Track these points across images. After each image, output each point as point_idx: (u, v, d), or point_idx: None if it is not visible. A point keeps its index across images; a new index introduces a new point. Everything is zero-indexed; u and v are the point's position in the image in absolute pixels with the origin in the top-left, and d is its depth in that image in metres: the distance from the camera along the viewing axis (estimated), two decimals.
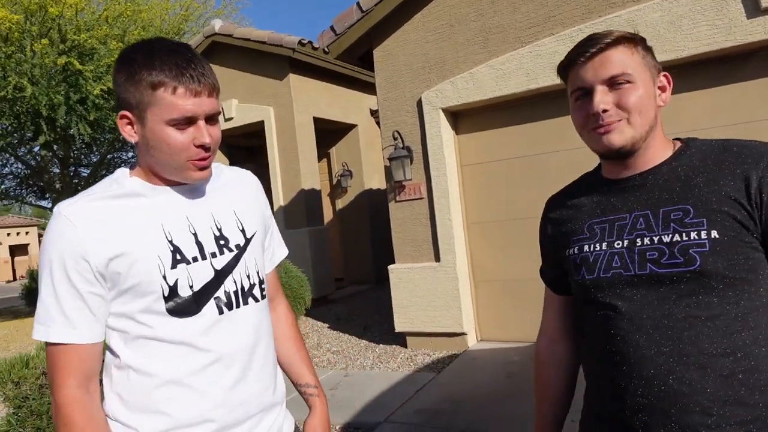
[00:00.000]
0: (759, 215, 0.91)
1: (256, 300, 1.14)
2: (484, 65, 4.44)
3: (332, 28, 4.94)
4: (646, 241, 0.97)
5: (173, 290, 1.02)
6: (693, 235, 0.93)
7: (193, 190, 1.11)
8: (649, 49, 1.05)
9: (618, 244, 1.02)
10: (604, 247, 1.04)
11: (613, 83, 1.00)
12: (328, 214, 9.48)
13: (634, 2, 3.89)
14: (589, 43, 1.02)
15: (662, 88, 1.06)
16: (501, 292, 4.79)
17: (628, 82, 0.99)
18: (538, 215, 4.92)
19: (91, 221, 1.00)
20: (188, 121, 1.00)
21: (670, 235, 0.94)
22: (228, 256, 1.10)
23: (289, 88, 7.72)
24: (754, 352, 0.89)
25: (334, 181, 9.55)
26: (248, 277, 1.13)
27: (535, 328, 4.69)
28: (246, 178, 1.28)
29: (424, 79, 4.75)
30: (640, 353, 0.94)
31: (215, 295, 1.06)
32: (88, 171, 11.20)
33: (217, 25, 7.98)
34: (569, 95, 1.09)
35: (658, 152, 1.04)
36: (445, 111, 4.70)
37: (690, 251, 0.92)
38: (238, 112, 8.19)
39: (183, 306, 1.03)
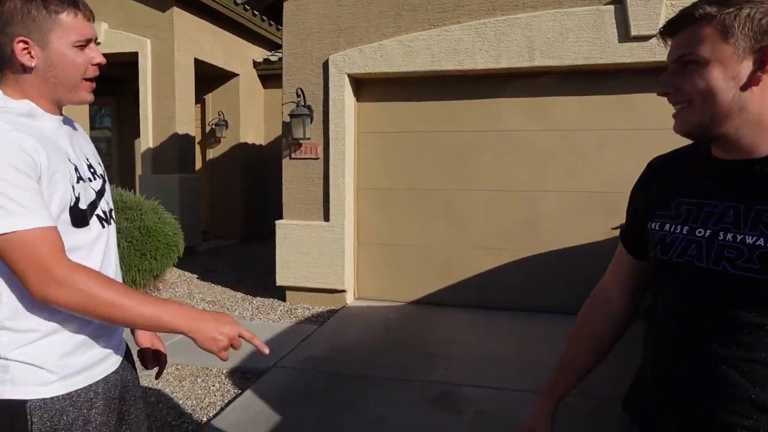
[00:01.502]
0: None
1: (115, 222, 1.34)
2: (394, 39, 4.64)
3: None
4: (729, 237, 0.89)
5: (77, 202, 1.16)
6: None
7: (64, 124, 1.23)
8: (751, 19, 0.86)
9: (700, 232, 0.94)
10: (684, 232, 0.96)
11: (680, 63, 0.92)
12: (197, 164, 9.04)
13: (533, 9, 4.37)
14: (672, 18, 0.94)
15: (762, 65, 0.87)
16: (381, 255, 5.12)
17: (694, 62, 0.90)
18: (428, 188, 5.49)
19: (21, 131, 1.07)
20: (86, 43, 1.15)
21: (755, 238, 0.86)
22: (99, 182, 1.28)
23: (172, 22, 7.18)
24: None
25: (208, 129, 9.11)
26: (107, 202, 1.31)
27: (409, 290, 5.21)
28: (78, 125, 1.39)
29: (332, 41, 4.81)
30: (692, 346, 0.93)
31: (96, 212, 1.23)
32: None
33: None
34: None
35: (763, 139, 0.90)
36: (351, 77, 4.84)
37: None
38: (107, 38, 7.39)
39: (80, 218, 1.16)
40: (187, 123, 7.59)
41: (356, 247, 5.15)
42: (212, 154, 9.15)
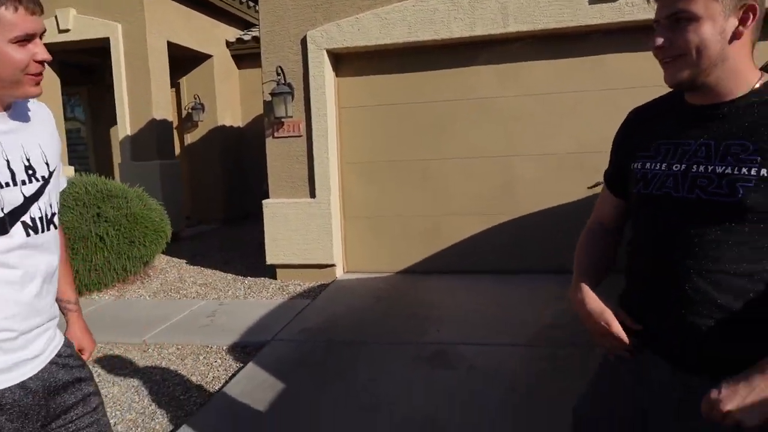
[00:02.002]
0: None
1: (55, 227, 1.27)
2: (370, 12, 4.67)
3: None
4: (701, 168, 1.03)
5: None
6: (744, 170, 0.98)
7: (5, 121, 1.18)
8: None
9: (676, 166, 1.08)
10: (663, 168, 1.10)
11: (674, 19, 1.02)
12: (175, 149, 8.98)
13: None
14: None
15: (743, 21, 1.01)
16: (368, 227, 5.23)
17: (688, 19, 1.00)
18: (410, 159, 5.59)
19: None
20: (28, 39, 1.09)
21: (724, 167, 1.00)
22: (35, 185, 1.19)
23: (143, 5, 7.07)
24: (765, 278, 0.98)
25: (184, 113, 9.03)
26: (50, 206, 1.24)
27: (396, 260, 5.34)
28: (45, 111, 1.34)
29: (309, 17, 4.82)
30: (668, 264, 1.08)
31: (22, 219, 1.16)
32: None
33: None
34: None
35: (736, 85, 1.03)
36: (329, 52, 4.86)
37: (736, 184, 0.98)
38: (76, 24, 7.26)
39: None
40: (164, 108, 7.53)
41: (343, 221, 5.25)
42: (190, 138, 9.09)
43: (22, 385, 1.18)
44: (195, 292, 5.09)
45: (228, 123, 9.17)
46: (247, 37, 8.98)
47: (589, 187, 4.55)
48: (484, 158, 4.86)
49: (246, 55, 9.14)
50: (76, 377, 1.32)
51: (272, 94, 4.82)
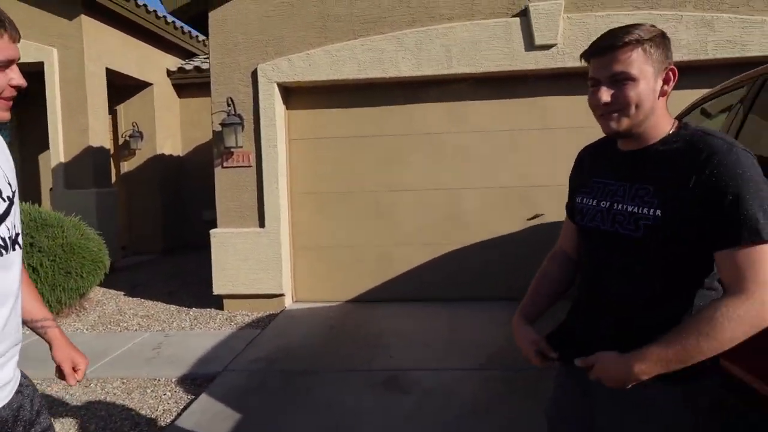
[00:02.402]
0: (691, 203, 1.12)
1: (21, 247, 1.27)
2: (321, 49, 4.84)
3: None
4: (619, 207, 1.22)
5: None
6: (644, 209, 1.16)
7: None
8: (659, 45, 1.18)
9: (603, 203, 1.27)
10: (593, 204, 1.30)
11: (615, 79, 1.17)
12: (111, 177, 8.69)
13: (448, 20, 4.74)
14: (605, 40, 1.18)
15: (666, 81, 1.20)
16: (317, 257, 5.29)
17: (628, 79, 1.16)
18: (358, 191, 5.83)
19: None
20: (7, 63, 1.12)
21: (633, 207, 1.19)
22: (3, 206, 1.19)
23: (81, 30, 6.91)
24: (658, 290, 1.20)
25: (121, 141, 8.79)
26: (14, 226, 1.24)
27: (346, 290, 5.46)
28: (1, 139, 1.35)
29: (261, 51, 4.93)
30: (593, 283, 1.32)
31: None
32: None
33: None
34: (588, 80, 1.26)
35: (656, 133, 1.21)
36: (280, 85, 4.97)
37: (639, 222, 1.17)
38: None
39: None
40: (101, 135, 7.32)
41: (292, 251, 5.28)
42: (127, 166, 8.83)
43: None
44: (137, 324, 4.92)
45: (168, 152, 9.00)
46: (188, 67, 8.93)
47: (528, 219, 4.85)
48: (432, 191, 5.08)
49: (187, 85, 9.08)
50: (37, 410, 1.31)
51: (222, 125, 4.85)
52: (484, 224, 5.00)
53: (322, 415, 2.98)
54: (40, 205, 6.36)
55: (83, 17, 6.89)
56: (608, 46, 1.17)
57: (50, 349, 1.44)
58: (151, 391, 3.51)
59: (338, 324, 4.63)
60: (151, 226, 8.80)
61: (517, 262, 4.72)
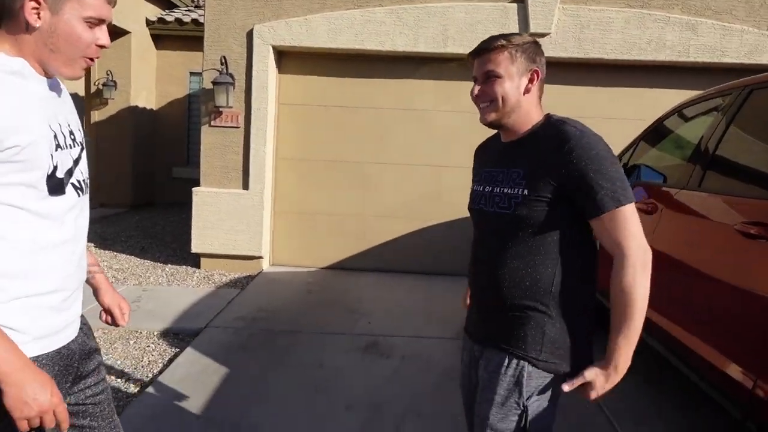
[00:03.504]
0: (555, 183, 1.29)
1: (89, 190, 1.34)
2: (320, 15, 4.83)
3: None
4: (497, 190, 1.40)
5: (54, 170, 1.15)
6: (516, 190, 1.34)
7: (54, 88, 1.23)
8: (524, 51, 1.37)
9: (487, 188, 1.44)
10: (480, 189, 1.48)
11: (486, 77, 1.36)
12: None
13: (448, 0, 4.80)
14: (481, 45, 1.38)
15: (530, 80, 1.37)
16: (297, 222, 5.35)
17: (495, 76, 1.34)
18: (345, 160, 5.97)
19: (5, 89, 1.06)
20: (98, 22, 1.15)
21: (507, 189, 1.37)
22: (77, 150, 1.27)
23: None
24: (539, 269, 1.34)
25: (93, 89, 8.50)
26: (84, 171, 1.30)
27: (324, 257, 5.57)
28: (64, 87, 1.39)
29: (257, 12, 4.87)
30: (479, 260, 1.47)
31: (72, 181, 1.22)
32: None
33: None
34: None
35: (525, 125, 1.40)
36: (275, 48, 4.94)
37: (512, 200, 1.34)
38: None
39: (56, 186, 1.15)
40: (73, 82, 7.07)
41: (273, 215, 5.33)
42: (98, 116, 8.57)
43: (68, 346, 1.23)
44: (112, 277, 4.90)
45: (141, 104, 8.78)
46: (169, 18, 8.67)
47: None
48: (418, 166, 5.19)
49: (166, 36, 8.82)
50: (93, 346, 1.38)
51: (214, 83, 4.80)
52: (463, 202, 5.14)
53: (306, 374, 3.11)
54: None
55: None
56: (483, 49, 1.37)
57: (95, 293, 1.49)
58: (134, 342, 3.55)
59: (317, 289, 4.74)
60: (121, 180, 8.62)
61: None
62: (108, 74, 8.32)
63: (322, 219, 5.33)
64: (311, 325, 3.87)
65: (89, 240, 5.92)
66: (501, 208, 1.37)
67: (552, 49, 4.72)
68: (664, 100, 4.83)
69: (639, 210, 2.92)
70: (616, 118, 4.92)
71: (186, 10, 9.27)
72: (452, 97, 5.09)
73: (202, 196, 5.07)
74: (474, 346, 1.51)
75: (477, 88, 1.39)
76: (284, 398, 2.82)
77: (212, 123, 4.99)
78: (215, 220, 5.07)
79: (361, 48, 4.85)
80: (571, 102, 4.90)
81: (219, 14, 4.89)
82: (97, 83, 8.42)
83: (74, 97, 7.02)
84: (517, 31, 4.76)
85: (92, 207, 8.21)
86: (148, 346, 3.51)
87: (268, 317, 3.99)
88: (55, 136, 1.15)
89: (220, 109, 4.92)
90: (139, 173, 8.83)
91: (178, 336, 3.68)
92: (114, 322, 1.52)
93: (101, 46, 1.18)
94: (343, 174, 5.25)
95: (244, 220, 5.05)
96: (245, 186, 5.05)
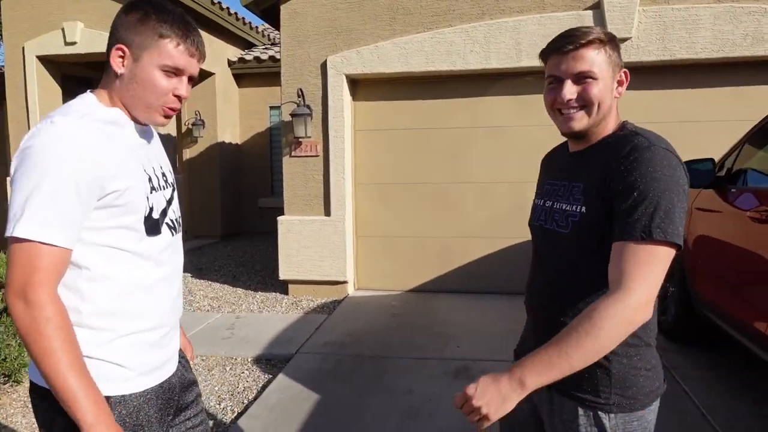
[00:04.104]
0: (606, 197, 1.14)
1: (182, 230, 1.39)
2: (389, 42, 4.91)
3: None
4: (557, 205, 1.27)
5: (151, 211, 1.21)
6: (575, 207, 1.20)
7: (145, 133, 1.29)
8: (616, 47, 1.22)
9: (548, 203, 1.32)
10: (540, 203, 1.35)
11: (579, 78, 1.18)
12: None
13: (519, 13, 4.72)
14: (568, 39, 1.19)
15: (620, 82, 1.23)
16: (380, 246, 5.40)
17: (592, 78, 1.17)
18: (423, 182, 5.93)
19: (101, 138, 1.12)
20: (176, 72, 1.18)
21: (566, 205, 1.24)
22: (170, 190, 1.32)
23: None
24: (595, 294, 1.18)
25: (184, 128, 9.11)
26: (178, 209, 1.36)
27: (407, 280, 5.53)
28: (156, 133, 1.45)
29: (330, 43, 5.03)
30: (538, 283, 1.34)
31: (166, 221, 1.27)
32: None
33: None
34: (545, 78, 1.27)
35: (601, 134, 1.24)
36: (348, 77, 5.07)
37: (569, 219, 1.21)
38: (83, 38, 7.35)
39: (153, 226, 1.21)
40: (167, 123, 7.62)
41: (355, 239, 5.41)
42: (189, 153, 9.16)
43: (169, 380, 1.29)
44: (208, 305, 5.15)
45: (227, 140, 9.28)
46: (249, 57, 9.16)
47: None
48: (497, 183, 5.10)
49: (246, 75, 9.32)
50: (191, 378, 1.44)
51: (292, 115, 4.99)
52: None
53: (397, 400, 3.08)
54: None
55: None
56: (572, 45, 1.18)
57: None
58: (230, 369, 3.70)
59: (402, 312, 4.73)
60: (211, 212, 9.12)
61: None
62: (196, 114, 8.89)
63: (403, 242, 5.34)
64: (399, 349, 3.86)
65: (186, 270, 6.27)
66: (560, 226, 1.24)
67: (634, 53, 4.51)
68: (767, 97, 4.47)
69: (753, 219, 2.66)
70: (713, 120, 4.58)
71: (263, 48, 9.76)
72: (529, 112, 4.97)
73: (286, 224, 5.25)
74: None
75: (569, 90, 1.18)
76: (376, 426, 2.81)
77: (293, 153, 5.18)
78: (300, 247, 5.22)
79: (432, 69, 4.87)
80: (660, 107, 4.64)
81: (294, 49, 5.10)
82: (187, 123, 9.02)
83: (167, 137, 7.56)
84: None
85: (187, 239, 8.76)
86: (243, 373, 3.63)
87: (356, 342, 4.02)
88: (150, 179, 1.22)
89: (300, 140, 5.10)
90: (228, 205, 9.30)
91: (271, 362, 3.79)
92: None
93: (178, 96, 1.19)
94: (422, 196, 5.25)
95: (328, 246, 5.17)
96: (327, 212, 5.17)
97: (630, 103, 4.78)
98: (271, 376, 3.55)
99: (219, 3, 8.29)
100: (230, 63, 9.17)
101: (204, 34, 8.38)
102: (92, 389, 1.05)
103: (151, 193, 1.21)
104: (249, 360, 3.82)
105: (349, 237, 5.24)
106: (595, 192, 1.16)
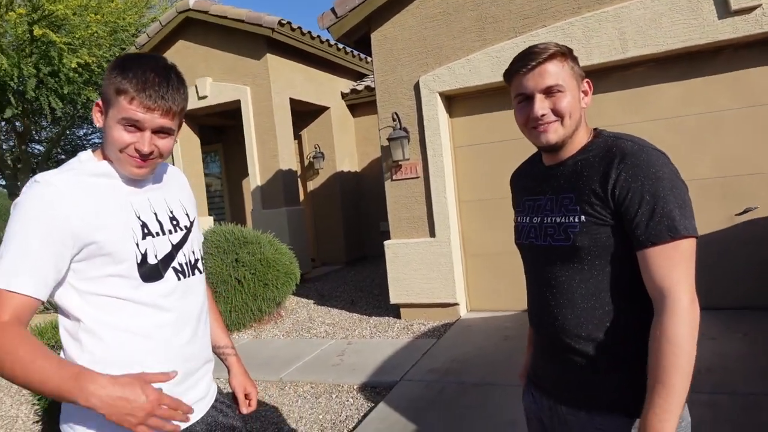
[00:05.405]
0: (612, 205, 1.14)
1: (200, 272, 1.37)
2: (480, 52, 4.74)
3: (333, 10, 5.09)
4: (548, 220, 1.25)
5: (144, 258, 1.21)
6: (571, 218, 1.19)
7: (147, 180, 1.29)
8: (575, 60, 1.26)
9: (535, 219, 1.30)
10: (527, 221, 1.33)
11: (548, 92, 1.21)
12: (300, 195, 9.59)
13: (619, 0, 4.30)
14: (530, 56, 1.22)
15: (585, 93, 1.26)
16: (488, 265, 5.16)
17: (560, 91, 1.20)
18: None
19: (77, 192, 1.15)
20: (135, 126, 1.16)
21: (560, 217, 1.22)
22: (180, 234, 1.31)
23: (267, 68, 7.77)
24: (610, 304, 1.18)
25: (306, 162, 9.66)
26: (193, 252, 1.35)
27: (519, 298, 5.12)
28: (182, 176, 1.48)
29: (421, 63, 5.00)
30: (538, 302, 1.30)
31: (173, 265, 1.26)
32: (43, 148, 10.74)
33: (191, 0, 7.88)
34: (513, 98, 1.29)
35: (577, 144, 1.26)
36: (442, 95, 4.99)
37: (568, 230, 1.20)
38: (212, 91, 8.14)
39: (150, 272, 1.21)
40: (288, 159, 8.12)
41: (464, 259, 5.24)
42: (312, 185, 9.67)
43: (189, 429, 1.26)
44: (324, 331, 5.31)
45: (346, 168, 9.65)
46: (360, 87, 9.48)
47: (737, 215, 4.15)
48: None
49: (359, 104, 9.64)
50: (229, 424, 1.41)
51: (389, 139, 5.02)
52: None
53: (499, 431, 2.87)
54: (245, 225, 7.29)
55: (268, 56, 7.74)
56: (535, 61, 1.20)
57: (228, 374, 1.56)
58: (336, 396, 3.74)
59: (514, 335, 4.45)
60: (335, 239, 9.49)
61: (719, 266, 4.07)
62: (316, 147, 9.39)
63: (510, 259, 5.01)
64: (506, 376, 3.61)
65: (309, 297, 6.57)
66: (557, 240, 1.23)
67: (766, 23, 3.85)
68: None
69: None
70: None
71: (374, 77, 10.05)
72: (640, 106, 4.46)
73: (393, 249, 5.25)
74: (543, 400, 1.36)
75: (540, 106, 1.21)
76: None
77: (394, 177, 5.20)
78: (408, 270, 5.18)
79: None
80: None
81: (386, 74, 5.15)
82: (308, 157, 9.55)
83: (288, 172, 8.05)
84: (715, 12, 4.02)
85: (315, 266, 9.22)
86: (347, 401, 3.65)
87: (461, 369, 3.85)
88: (144, 226, 1.24)
89: (399, 163, 5.10)
90: (350, 231, 9.62)
91: (375, 389, 3.77)
92: (238, 408, 1.53)
93: (137, 150, 1.18)
94: None
95: (435, 267, 5.06)
96: (432, 233, 5.09)
97: (764, 80, 4.09)
98: (373, 404, 3.52)
99: (327, 41, 8.73)
100: (343, 95, 9.57)
101: (317, 71, 8.88)
102: (64, 368, 1.04)
103: (143, 239, 1.22)
104: (355, 387, 3.84)
105: (456, 257, 5.09)
106: (591, 200, 1.17)
